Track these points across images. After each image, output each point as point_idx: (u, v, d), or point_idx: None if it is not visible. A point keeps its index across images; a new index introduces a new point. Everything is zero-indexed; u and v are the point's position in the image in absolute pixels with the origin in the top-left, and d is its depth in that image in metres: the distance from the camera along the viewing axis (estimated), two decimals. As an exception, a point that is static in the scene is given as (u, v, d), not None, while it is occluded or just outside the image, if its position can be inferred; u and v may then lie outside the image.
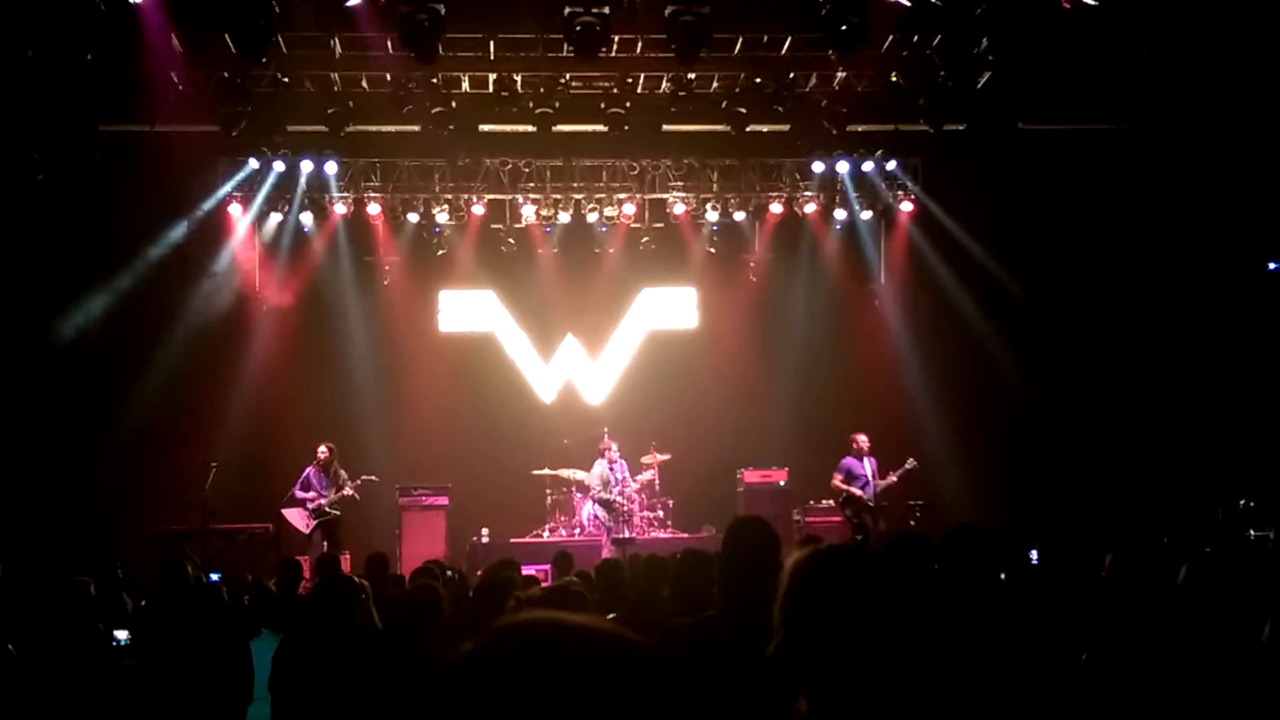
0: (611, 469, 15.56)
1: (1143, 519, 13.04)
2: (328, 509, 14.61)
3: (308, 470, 14.75)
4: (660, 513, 16.12)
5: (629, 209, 16.69)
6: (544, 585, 7.46)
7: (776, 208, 16.87)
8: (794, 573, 2.37)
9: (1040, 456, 15.97)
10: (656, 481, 16.05)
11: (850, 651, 2.25)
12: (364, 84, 14.71)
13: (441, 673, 1.12)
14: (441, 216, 16.57)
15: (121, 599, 7.28)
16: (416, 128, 14.87)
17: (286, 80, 14.14)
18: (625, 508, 15.52)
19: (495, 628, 1.15)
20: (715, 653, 3.47)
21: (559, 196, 16.62)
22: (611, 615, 5.77)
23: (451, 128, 14.60)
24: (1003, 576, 5.05)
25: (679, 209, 16.81)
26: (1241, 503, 13.38)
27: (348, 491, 14.68)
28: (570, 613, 1.17)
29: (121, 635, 6.16)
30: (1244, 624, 3.54)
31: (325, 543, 14.30)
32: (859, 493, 14.54)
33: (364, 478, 14.84)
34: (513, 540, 15.22)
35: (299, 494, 14.66)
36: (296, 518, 14.66)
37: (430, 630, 5.61)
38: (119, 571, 8.92)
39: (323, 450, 14.80)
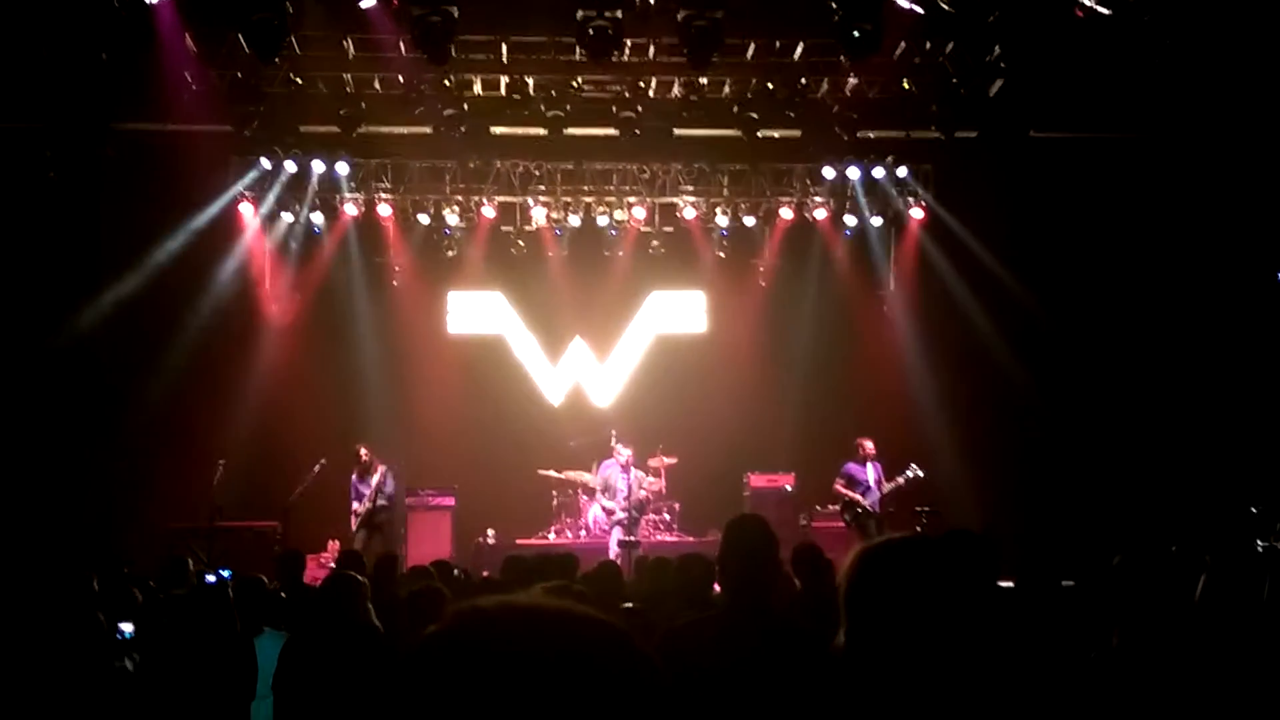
0: (625, 473, 15.31)
1: (1149, 526, 12.99)
2: (371, 509, 14.77)
3: (352, 479, 14.94)
4: (666, 516, 16.09)
5: (639, 213, 16.70)
6: (544, 586, 7.45)
7: (787, 213, 16.86)
8: (863, 563, 2.34)
9: (1049, 464, 15.93)
10: (663, 487, 16.03)
11: (920, 642, 2.21)
12: (376, 85, 14.75)
13: (403, 662, 1.14)
14: (452, 218, 16.58)
15: (131, 593, 7.30)
16: (428, 129, 14.89)
17: (299, 81, 14.19)
18: (632, 515, 15.34)
19: (448, 614, 1.16)
20: (719, 648, 3.47)
21: (569, 199, 16.63)
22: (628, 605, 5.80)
23: (463, 130, 14.62)
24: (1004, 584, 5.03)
25: (689, 213, 16.82)
26: (1253, 510, 13.31)
27: (387, 487, 14.85)
28: (525, 595, 1.19)
29: (127, 628, 6.17)
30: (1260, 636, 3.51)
31: (381, 543, 14.40)
32: (859, 498, 14.52)
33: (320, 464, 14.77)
34: (518, 541, 15.21)
35: (355, 506, 14.85)
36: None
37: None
38: (125, 568, 8.94)
39: (363, 452, 14.92)
